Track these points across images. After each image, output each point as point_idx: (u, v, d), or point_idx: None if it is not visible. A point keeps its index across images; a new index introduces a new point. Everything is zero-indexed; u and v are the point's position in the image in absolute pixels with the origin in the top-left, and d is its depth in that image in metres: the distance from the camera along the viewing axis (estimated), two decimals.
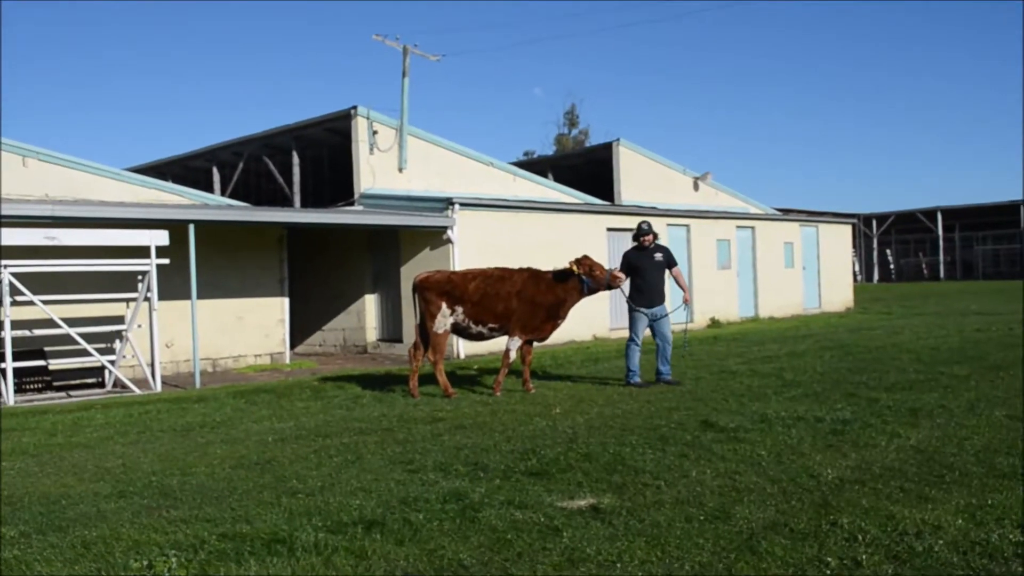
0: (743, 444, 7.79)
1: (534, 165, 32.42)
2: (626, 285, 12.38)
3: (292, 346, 20.56)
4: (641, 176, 28.35)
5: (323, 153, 25.84)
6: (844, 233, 32.62)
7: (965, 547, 4.91)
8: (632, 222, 22.98)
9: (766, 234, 27.94)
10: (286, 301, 19.37)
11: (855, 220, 46.17)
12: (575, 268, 11.94)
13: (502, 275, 12.34)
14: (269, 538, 5.47)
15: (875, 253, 68.22)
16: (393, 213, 19.34)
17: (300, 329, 21.98)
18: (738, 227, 27.01)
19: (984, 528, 5.20)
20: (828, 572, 4.64)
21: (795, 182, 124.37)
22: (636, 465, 7.13)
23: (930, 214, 64.68)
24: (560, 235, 20.88)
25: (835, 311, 29.68)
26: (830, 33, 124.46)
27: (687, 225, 24.97)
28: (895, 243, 69.36)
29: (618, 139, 28.18)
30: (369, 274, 21.23)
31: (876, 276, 67.79)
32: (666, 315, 12.48)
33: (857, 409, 9.37)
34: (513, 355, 12.19)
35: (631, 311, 12.49)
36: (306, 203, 25.33)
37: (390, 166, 22.03)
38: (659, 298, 12.48)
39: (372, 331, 21.18)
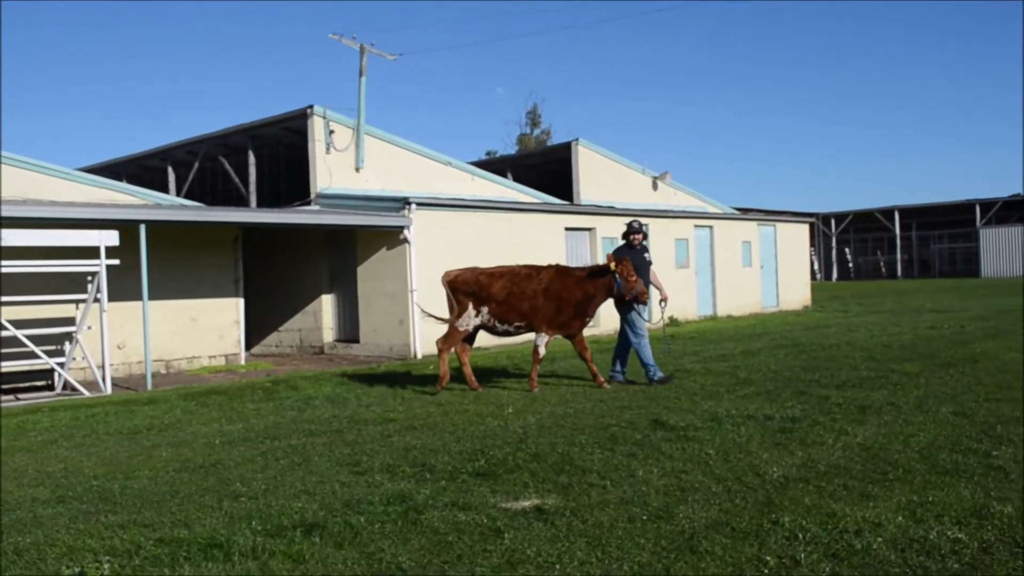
0: (692, 443, 7.79)
1: (494, 165, 32.37)
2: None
3: (248, 347, 20.37)
4: (600, 176, 28.38)
5: (279, 152, 25.66)
6: (802, 232, 32.84)
7: (903, 544, 4.92)
8: (590, 222, 23.14)
9: (724, 233, 28.06)
10: (241, 302, 19.18)
11: (813, 219, 46.58)
12: (613, 266, 11.76)
13: (529, 273, 12.27)
14: (206, 543, 5.38)
15: (833, 252, 68.85)
16: (349, 213, 19.21)
17: (256, 330, 21.78)
18: (696, 226, 27.10)
19: (923, 525, 5.21)
20: (767, 571, 4.63)
21: (754, 182, 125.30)
22: (584, 465, 7.11)
23: (887, 213, 65.36)
24: (518, 235, 20.86)
25: (793, 309, 29.88)
26: (788, 33, 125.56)
27: (646, 224, 24.98)
28: (853, 242, 70.02)
29: (577, 139, 28.19)
30: (326, 274, 21.08)
31: (835, 274, 68.41)
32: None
33: (807, 407, 9.41)
34: (543, 351, 12.07)
35: (633, 310, 12.30)
36: (262, 203, 25.10)
37: (347, 165, 21.88)
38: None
39: (329, 332, 21.03)
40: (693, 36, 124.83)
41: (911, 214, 65.30)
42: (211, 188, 28.05)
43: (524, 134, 70.55)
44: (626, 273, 11.76)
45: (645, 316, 12.50)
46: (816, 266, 65.07)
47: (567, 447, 7.80)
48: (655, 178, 30.23)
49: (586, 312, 12.09)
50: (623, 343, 12.51)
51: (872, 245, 69.47)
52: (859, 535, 5.08)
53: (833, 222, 68.47)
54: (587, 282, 11.94)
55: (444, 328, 12.91)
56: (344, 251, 20.40)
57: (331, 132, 21.49)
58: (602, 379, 11.96)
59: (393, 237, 18.78)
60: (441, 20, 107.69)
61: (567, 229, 22.41)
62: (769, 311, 29.02)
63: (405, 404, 11.22)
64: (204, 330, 18.63)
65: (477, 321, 12.26)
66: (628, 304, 12.24)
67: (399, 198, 19.32)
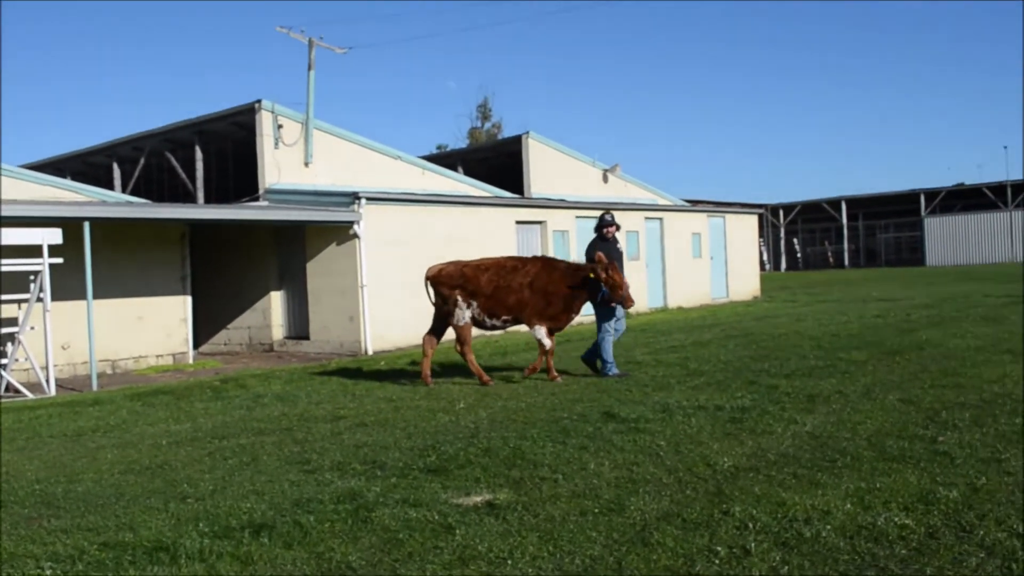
0: (643, 435, 7.80)
1: (444, 159, 32.26)
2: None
3: (196, 345, 20.13)
4: (551, 169, 28.42)
5: (227, 148, 25.33)
6: (751, 223, 33.14)
7: (852, 531, 4.96)
8: (541, 215, 23.15)
9: (674, 225, 28.22)
10: (189, 299, 18.95)
11: (762, 210, 46.96)
12: (603, 276, 11.56)
13: (515, 265, 12.14)
14: (152, 546, 5.28)
15: (782, 242, 69.58)
16: (299, 208, 19.05)
17: (204, 328, 21.53)
18: (647, 218, 27.22)
19: (871, 512, 5.26)
20: (717, 561, 4.64)
21: (704, 174, 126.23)
22: (535, 459, 7.08)
23: (835, 204, 66.18)
24: (469, 228, 20.82)
25: (742, 300, 30.14)
26: (734, 26, 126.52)
27: (597, 217, 25.05)
28: (801, 232, 70.80)
29: (528, 132, 28.21)
30: (275, 271, 20.88)
31: (783, 264, 69.14)
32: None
33: (757, 396, 9.47)
34: (548, 342, 11.81)
35: (609, 304, 12.05)
36: (210, 199, 24.80)
37: (296, 160, 21.69)
38: None
39: (278, 329, 20.84)
40: (642, 29, 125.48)
41: (858, 204, 66.20)
42: (157, 184, 27.67)
43: (475, 128, 70.39)
44: (615, 280, 11.59)
45: (620, 314, 12.33)
46: (765, 256, 65.70)
47: (519, 441, 7.77)
48: (606, 171, 30.32)
49: (572, 307, 11.97)
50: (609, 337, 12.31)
51: (820, 235, 70.33)
52: (808, 523, 5.11)
53: (782, 213, 69.19)
54: (571, 277, 11.81)
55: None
56: (293, 247, 20.22)
57: (280, 127, 21.29)
58: (556, 375, 11.82)
59: (343, 232, 18.64)
60: (391, 14, 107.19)
61: (518, 222, 22.41)
62: (719, 302, 29.25)
63: (356, 401, 11.14)
64: (151, 329, 18.37)
65: (470, 314, 12.12)
66: (605, 302, 12.03)
67: (349, 193, 19.18)
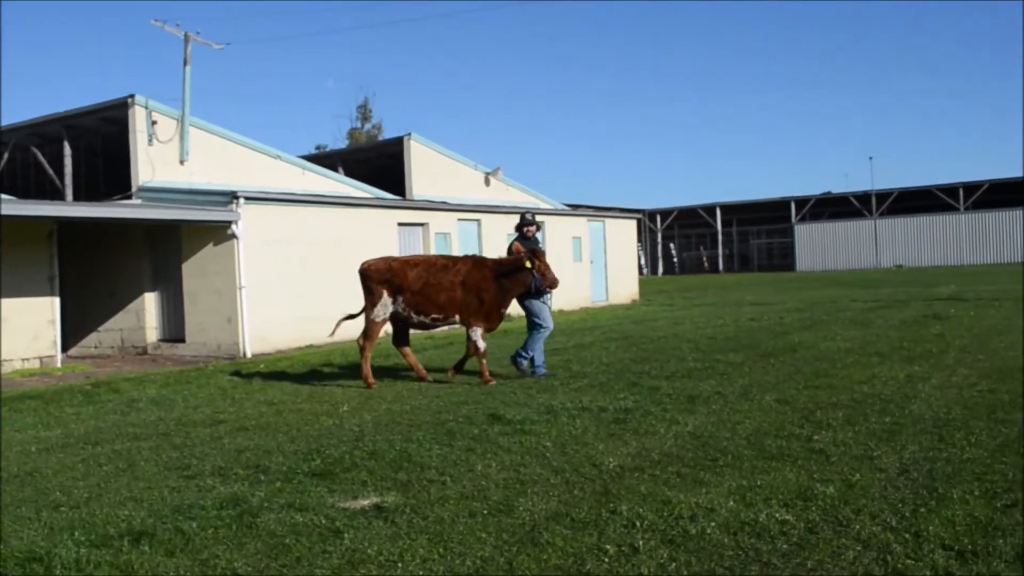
0: (529, 436, 7.84)
1: (324, 159, 31.83)
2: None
3: (65, 348, 19.37)
4: (433, 171, 28.32)
5: (98, 144, 24.44)
6: (630, 228, 33.69)
7: (735, 528, 5.08)
8: (423, 217, 23.07)
9: (555, 229, 28.47)
10: (57, 300, 18.19)
11: (640, 215, 47.84)
12: (528, 263, 11.57)
13: (445, 264, 11.99)
14: (24, 557, 5.06)
15: (659, 247, 70.96)
16: (174, 207, 18.51)
17: (74, 330, 20.72)
18: None
19: (753, 508, 5.40)
20: (607, 560, 4.69)
21: (584, 179, 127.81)
22: (422, 461, 7.05)
23: (709, 210, 67.88)
24: (350, 229, 20.61)
25: (622, 303, 30.61)
26: (615, 33, 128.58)
27: (478, 220, 25.14)
28: (678, 237, 72.39)
29: (409, 133, 28.05)
30: (148, 271, 20.23)
31: (661, 269, 70.54)
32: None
33: (639, 398, 9.63)
34: (482, 344, 11.66)
35: (536, 300, 12.09)
36: (79, 196, 23.89)
37: (171, 158, 21.06)
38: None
39: (153, 331, 20.21)
40: (524, 34, 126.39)
41: (732, 211, 68.09)
42: (23, 180, 26.50)
43: (355, 128, 69.88)
44: (542, 267, 11.66)
45: (549, 304, 12.37)
46: (643, 261, 66.96)
47: (404, 444, 7.73)
48: (487, 174, 30.39)
49: (503, 304, 11.90)
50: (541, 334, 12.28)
51: (695, 240, 72.04)
52: (694, 520, 5.22)
53: (659, 218, 70.62)
54: (502, 276, 11.74)
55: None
56: (168, 247, 19.64)
57: (154, 123, 20.62)
58: (489, 378, 11.60)
59: (220, 232, 18.21)
60: (270, 11, 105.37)
61: (400, 224, 22.27)
62: (599, 305, 29.63)
63: (236, 405, 10.89)
64: (16, 331, 17.57)
65: (392, 309, 11.95)
66: (531, 294, 12.03)
67: (226, 192, 18.73)
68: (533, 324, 12.21)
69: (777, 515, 5.25)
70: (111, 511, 6.00)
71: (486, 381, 11.53)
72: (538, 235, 12.99)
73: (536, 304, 12.20)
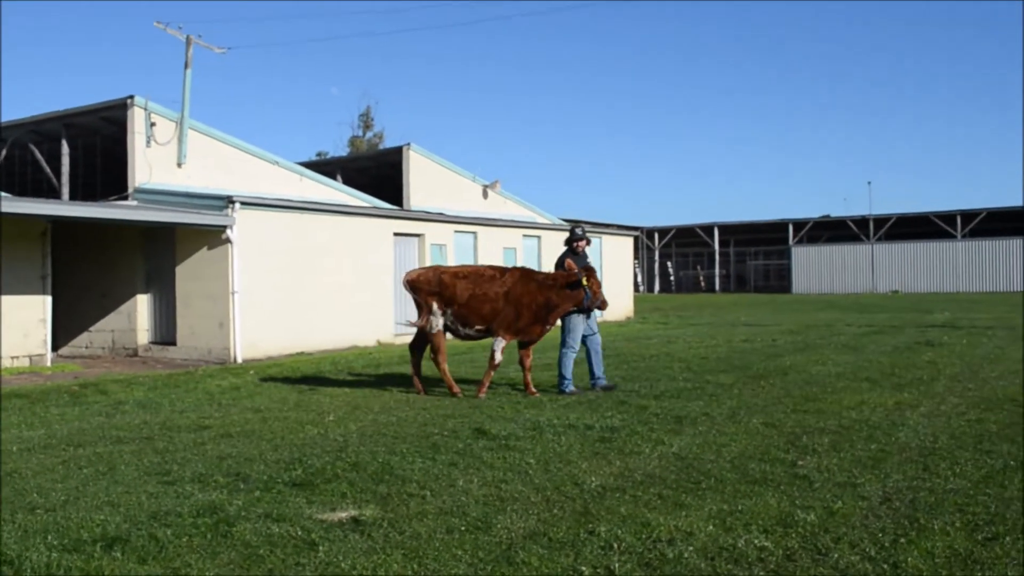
0: (513, 452, 7.80)
1: (323, 166, 31.83)
2: None
3: (55, 348, 19.32)
4: (431, 182, 28.32)
5: (96, 143, 24.39)
6: (626, 245, 33.69)
7: (713, 553, 5.04)
8: (419, 228, 23.06)
9: (552, 243, 28.40)
10: (48, 299, 18.14)
11: (638, 232, 47.87)
12: (585, 281, 11.44)
13: (493, 274, 11.87)
14: None
15: (656, 265, 70.98)
16: (169, 209, 18.47)
17: (65, 330, 20.68)
18: (524, 235, 27.40)
19: (732, 533, 5.36)
20: None
21: (582, 194, 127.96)
22: (404, 474, 7.01)
23: (707, 229, 67.92)
24: (346, 238, 20.60)
25: (616, 320, 30.55)
26: (614, 54, 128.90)
27: (475, 232, 25.14)
28: (675, 256, 72.41)
29: (409, 143, 28.04)
30: (142, 273, 20.19)
31: (657, 287, 70.53)
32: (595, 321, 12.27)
33: (626, 416, 9.59)
34: (499, 357, 11.59)
35: (572, 317, 11.91)
36: (75, 195, 23.85)
37: (168, 160, 21.04)
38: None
39: (144, 333, 20.16)
40: (527, 48, 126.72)
41: (729, 231, 68.14)
42: (19, 178, 26.46)
43: (356, 136, 69.91)
44: (595, 286, 11.55)
45: (593, 327, 12.23)
46: (639, 278, 66.97)
47: (388, 456, 7.69)
48: (485, 186, 30.39)
49: (547, 320, 11.72)
50: (595, 351, 12.17)
51: (692, 259, 72.10)
52: (672, 544, 5.18)
53: (656, 236, 70.64)
54: (551, 289, 11.59)
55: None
56: (162, 249, 19.60)
57: (153, 124, 20.60)
58: (535, 389, 11.57)
59: (215, 236, 18.18)
60: (274, 15, 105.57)
61: (396, 234, 22.26)
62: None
63: (222, 411, 10.84)
64: (7, 328, 17.51)
65: (443, 321, 11.87)
66: (583, 310, 11.88)
67: (223, 196, 18.72)
68: (563, 341, 12.06)
69: (756, 541, 5.21)
70: (87, 515, 5.95)
71: (479, 393, 11.49)
72: (587, 250, 12.77)
73: (574, 320, 12.00)
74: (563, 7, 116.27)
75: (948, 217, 58.80)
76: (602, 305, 11.77)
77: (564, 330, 12.10)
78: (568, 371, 11.92)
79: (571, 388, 11.87)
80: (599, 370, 12.17)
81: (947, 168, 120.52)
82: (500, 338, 11.66)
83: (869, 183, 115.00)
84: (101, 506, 6.22)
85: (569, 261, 12.03)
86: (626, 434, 8.57)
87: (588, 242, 12.76)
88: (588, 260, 12.48)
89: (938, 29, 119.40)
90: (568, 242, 12.60)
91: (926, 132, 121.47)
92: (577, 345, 12.05)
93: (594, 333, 12.29)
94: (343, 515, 5.86)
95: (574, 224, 12.77)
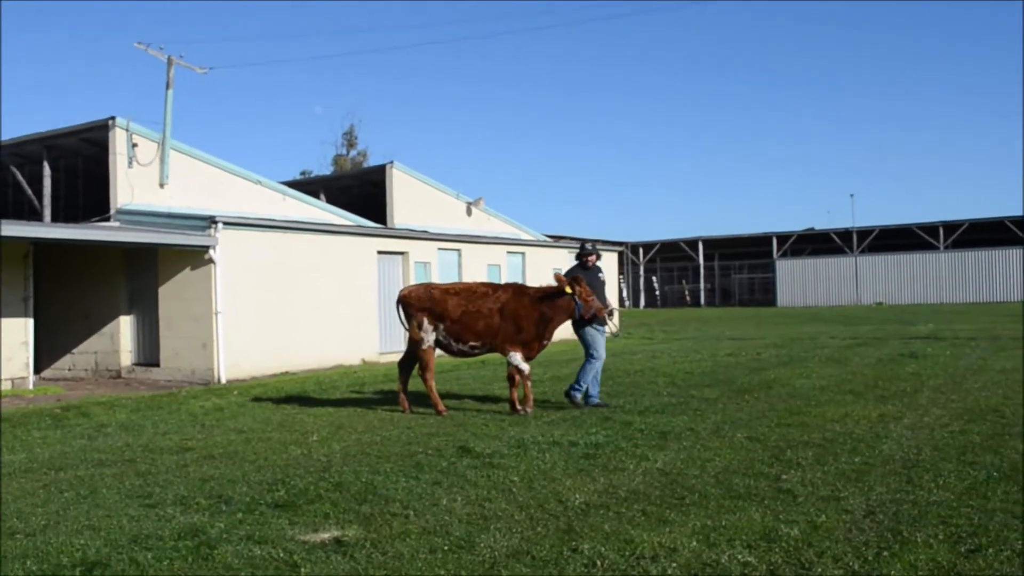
0: (497, 470, 7.78)
1: (306, 185, 31.78)
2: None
3: (38, 370, 19.22)
4: (414, 200, 28.33)
5: (78, 165, 24.33)
6: (611, 260, 33.74)
7: (697, 569, 5.03)
8: (403, 246, 23.04)
9: (536, 260, 28.50)
10: (31, 322, 18.05)
11: (623, 248, 47.95)
12: (568, 289, 11.41)
13: (485, 291, 11.85)
14: None
15: (641, 280, 71.07)
16: (151, 230, 18.42)
17: (47, 352, 20.57)
18: (509, 252, 27.43)
19: (716, 549, 5.34)
20: None
21: (566, 210, 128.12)
22: (387, 494, 6.97)
23: (692, 244, 68.12)
24: (330, 257, 20.58)
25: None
26: (597, 70, 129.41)
27: (459, 250, 25.14)
28: (660, 270, 72.51)
29: (392, 162, 28.08)
30: (124, 294, 20.11)
31: (643, 302, 70.60)
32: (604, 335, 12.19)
33: (611, 432, 9.57)
34: (525, 368, 11.46)
35: (587, 330, 11.92)
36: (57, 217, 23.77)
37: (150, 181, 21.00)
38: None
39: (127, 355, 20.06)
40: (512, 65, 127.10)
41: (714, 245, 68.37)
42: (1, 200, 26.37)
43: (340, 155, 69.91)
44: (584, 294, 11.50)
45: (604, 336, 12.20)
46: (625, 293, 67.03)
47: (371, 476, 7.65)
48: (469, 204, 30.42)
49: (544, 335, 11.71)
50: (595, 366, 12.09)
51: (677, 274, 72.21)
52: (655, 561, 5.16)
53: (641, 251, 70.78)
54: (545, 303, 11.57)
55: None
56: (145, 270, 19.53)
57: (134, 145, 20.58)
58: (520, 408, 11.43)
59: (198, 257, 18.13)
60: (256, 35, 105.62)
61: (380, 252, 22.24)
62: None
63: (205, 432, 10.78)
64: None
65: (434, 336, 11.85)
66: (585, 323, 11.88)
67: (205, 216, 18.68)
68: (586, 354, 12.07)
69: (739, 556, 5.20)
70: (67, 539, 5.90)
71: (524, 409, 11.32)
72: (599, 264, 12.68)
73: (591, 333, 12.01)
74: (546, 24, 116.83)
75: (931, 228, 59.14)
76: (599, 313, 11.66)
77: (585, 344, 12.07)
78: (586, 381, 11.93)
79: (596, 400, 11.90)
80: (593, 387, 12.15)
81: (929, 180, 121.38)
82: (513, 352, 11.55)
83: (852, 195, 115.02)
84: (81, 530, 6.17)
85: (558, 275, 11.99)
86: (610, 450, 8.56)
87: (598, 256, 12.69)
88: (601, 275, 12.44)
89: (920, 42, 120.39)
90: (579, 256, 12.60)
91: (908, 144, 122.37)
92: (601, 355, 12.04)
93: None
94: (325, 536, 5.83)
95: (584, 240, 12.66)
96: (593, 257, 12.48)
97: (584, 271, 12.28)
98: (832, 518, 5.96)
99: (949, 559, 5.11)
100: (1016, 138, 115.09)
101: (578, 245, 14.18)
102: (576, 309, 11.56)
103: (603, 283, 12.42)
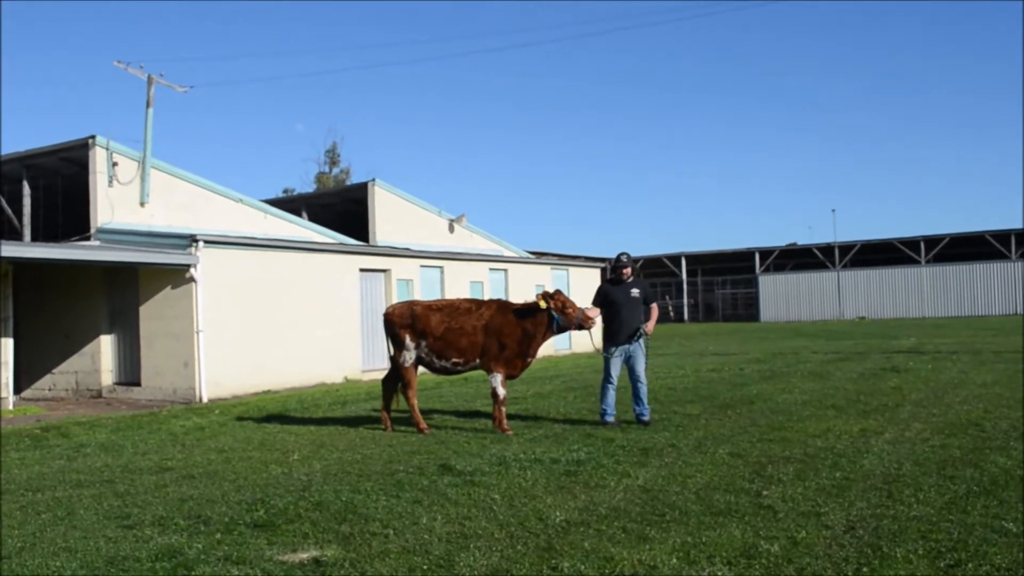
0: (478, 488, 7.75)
1: (288, 203, 31.73)
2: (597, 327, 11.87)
3: (17, 391, 19.04)
4: (397, 217, 28.32)
5: (57, 184, 24.23)
6: (594, 276, 33.76)
7: None
8: (385, 263, 23.01)
9: (518, 276, 28.49)
10: (10, 342, 17.91)
11: (605, 264, 47.97)
12: (542, 303, 11.32)
13: (468, 307, 11.79)
14: None
15: None
16: (132, 249, 18.34)
17: (27, 372, 20.40)
18: (491, 269, 27.43)
19: (696, 566, 5.33)
20: None
21: (548, 226, 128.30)
22: (367, 513, 6.94)
23: (675, 259, 68.31)
24: (312, 275, 20.52)
25: (584, 352, 30.52)
26: (576, 85, 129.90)
27: (441, 267, 25.12)
28: None
29: (374, 179, 28.06)
30: (105, 314, 20.00)
31: None
32: (642, 354, 11.81)
33: (592, 449, 9.56)
34: (501, 392, 11.35)
35: (606, 354, 11.80)
36: (37, 236, 23.64)
37: (131, 200, 20.90)
38: (634, 336, 11.74)
39: (108, 374, 19.93)
40: (493, 83, 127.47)
41: (697, 260, 68.56)
42: None
43: (323, 173, 69.83)
44: (560, 305, 11.40)
45: (619, 359, 11.83)
46: None
47: (352, 494, 7.61)
48: (451, 220, 30.44)
49: (528, 352, 11.61)
50: (634, 386, 11.79)
51: (661, 290, 72.21)
52: None
53: None
54: (527, 320, 11.46)
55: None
56: (126, 289, 19.43)
57: (114, 164, 20.49)
58: (507, 427, 11.27)
59: (179, 275, 18.05)
60: (237, 53, 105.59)
61: (362, 270, 22.20)
62: (562, 353, 29.58)
63: (185, 451, 10.71)
64: None
65: (416, 353, 11.80)
66: (556, 331, 11.65)
67: (186, 235, 18.61)
68: (639, 375, 11.76)
69: (719, 573, 5.20)
70: (43, 562, 5.85)
71: (503, 430, 11.16)
72: (637, 278, 12.37)
73: (604, 358, 11.84)
74: (526, 42, 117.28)
75: (912, 243, 59.45)
76: (584, 321, 11.59)
77: (631, 365, 11.79)
78: (609, 403, 11.73)
79: (610, 419, 11.65)
80: (637, 406, 11.77)
81: (910, 194, 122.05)
82: (495, 373, 11.48)
83: (833, 211, 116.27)
84: (58, 552, 6.11)
85: (539, 295, 11.82)
86: (592, 467, 8.54)
87: (633, 270, 12.29)
88: (633, 291, 11.93)
89: (899, 56, 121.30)
90: (613, 269, 12.26)
91: (888, 159, 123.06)
92: (615, 378, 11.77)
93: (634, 356, 11.80)
94: (304, 556, 5.79)
95: (619, 254, 12.15)
96: (628, 270, 12.04)
97: (616, 286, 12.02)
98: (812, 534, 5.96)
99: (928, 574, 5.11)
100: (998, 153, 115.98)
101: (562, 261, 14.12)
102: (554, 322, 11.46)
103: (634, 299, 11.92)
